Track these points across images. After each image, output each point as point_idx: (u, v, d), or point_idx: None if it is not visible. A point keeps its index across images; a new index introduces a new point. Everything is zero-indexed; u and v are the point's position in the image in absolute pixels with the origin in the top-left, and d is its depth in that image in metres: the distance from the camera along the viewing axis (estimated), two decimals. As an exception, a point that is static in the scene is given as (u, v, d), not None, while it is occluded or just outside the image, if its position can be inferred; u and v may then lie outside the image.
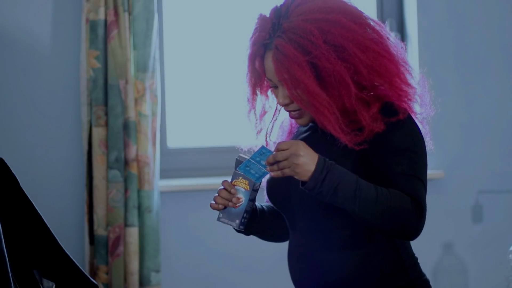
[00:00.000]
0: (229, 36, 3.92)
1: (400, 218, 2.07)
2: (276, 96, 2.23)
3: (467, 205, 4.04)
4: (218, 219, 2.20)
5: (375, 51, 2.14)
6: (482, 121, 4.03)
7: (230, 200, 2.18)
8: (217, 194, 2.21)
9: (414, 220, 2.08)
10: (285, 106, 2.22)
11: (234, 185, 2.18)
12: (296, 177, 2.06)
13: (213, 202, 2.21)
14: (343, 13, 2.15)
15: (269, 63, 2.17)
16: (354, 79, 2.14)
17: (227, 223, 2.20)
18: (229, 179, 2.21)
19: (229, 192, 2.18)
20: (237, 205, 2.18)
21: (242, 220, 2.19)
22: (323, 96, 2.12)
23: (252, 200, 2.20)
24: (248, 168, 2.11)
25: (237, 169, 2.17)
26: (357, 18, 2.16)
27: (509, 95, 4.06)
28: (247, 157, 2.15)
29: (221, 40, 3.94)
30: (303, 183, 2.07)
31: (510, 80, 4.06)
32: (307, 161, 2.04)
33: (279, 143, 2.07)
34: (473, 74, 4.02)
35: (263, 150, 2.08)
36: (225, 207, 2.19)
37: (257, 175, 2.12)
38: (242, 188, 2.17)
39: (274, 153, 2.06)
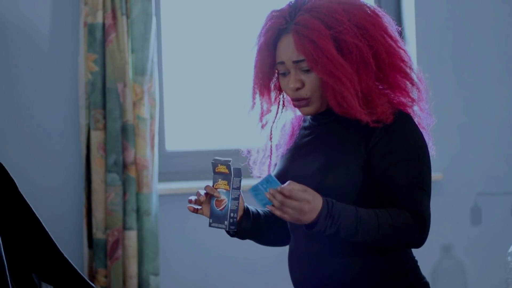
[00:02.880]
0: (227, 39, 3.92)
1: (404, 237, 2.12)
2: (285, 86, 2.22)
3: (466, 207, 4.04)
4: (210, 225, 2.22)
5: (393, 39, 2.20)
6: (480, 123, 4.03)
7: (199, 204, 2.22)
8: (194, 197, 2.24)
9: (418, 233, 2.13)
10: (295, 91, 2.21)
11: (216, 188, 2.20)
12: (297, 222, 2.07)
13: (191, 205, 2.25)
14: (364, 2, 2.23)
15: (285, 45, 2.18)
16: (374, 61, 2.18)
17: (217, 227, 2.21)
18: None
19: (213, 195, 2.20)
20: (222, 207, 2.19)
21: (231, 221, 2.20)
22: (346, 66, 2.14)
23: (235, 199, 2.21)
24: (255, 193, 2.11)
25: (216, 170, 2.20)
26: (375, 9, 2.24)
27: (508, 97, 4.06)
28: (222, 159, 2.19)
29: (219, 43, 3.94)
30: (308, 225, 2.09)
31: (508, 83, 4.06)
32: (313, 208, 2.05)
33: (295, 188, 2.05)
34: (471, 76, 4.02)
35: (269, 179, 2.09)
36: (212, 212, 2.21)
37: (262, 202, 2.11)
38: (223, 190, 2.20)
39: (281, 187, 2.06)
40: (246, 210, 2.29)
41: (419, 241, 2.15)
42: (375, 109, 2.15)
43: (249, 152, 2.39)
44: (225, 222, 2.19)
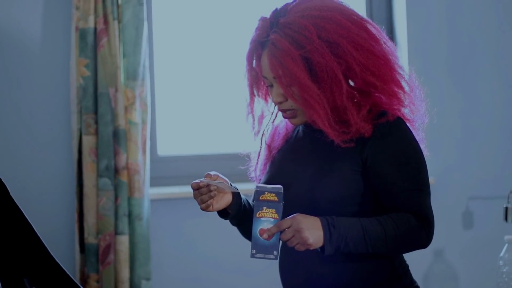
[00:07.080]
0: (219, 44, 3.92)
1: (411, 241, 2.17)
2: (271, 95, 2.24)
3: (458, 211, 4.04)
4: (252, 256, 2.12)
5: (369, 51, 2.18)
6: (473, 127, 4.04)
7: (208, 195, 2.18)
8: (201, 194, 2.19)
9: (424, 235, 2.18)
10: (279, 104, 2.23)
11: (259, 217, 2.11)
12: (311, 248, 2.10)
13: (202, 204, 2.20)
14: (340, 12, 2.19)
15: (264, 61, 2.20)
16: (346, 77, 2.17)
17: (264, 258, 2.12)
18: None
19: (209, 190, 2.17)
20: (267, 236, 2.11)
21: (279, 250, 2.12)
22: (314, 89, 2.14)
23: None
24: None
25: (260, 198, 2.12)
26: (353, 18, 2.20)
27: (500, 101, 4.06)
28: (269, 186, 2.11)
29: (211, 48, 3.94)
30: (322, 249, 2.12)
31: (501, 87, 4.06)
32: (311, 232, 2.09)
33: (280, 223, 2.09)
34: (464, 81, 4.03)
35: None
36: (255, 242, 2.11)
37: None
38: (270, 218, 2.11)
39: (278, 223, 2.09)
40: (238, 195, 2.27)
41: (426, 243, 2.19)
42: (349, 127, 2.16)
43: (248, 156, 2.40)
44: (274, 252, 2.10)
